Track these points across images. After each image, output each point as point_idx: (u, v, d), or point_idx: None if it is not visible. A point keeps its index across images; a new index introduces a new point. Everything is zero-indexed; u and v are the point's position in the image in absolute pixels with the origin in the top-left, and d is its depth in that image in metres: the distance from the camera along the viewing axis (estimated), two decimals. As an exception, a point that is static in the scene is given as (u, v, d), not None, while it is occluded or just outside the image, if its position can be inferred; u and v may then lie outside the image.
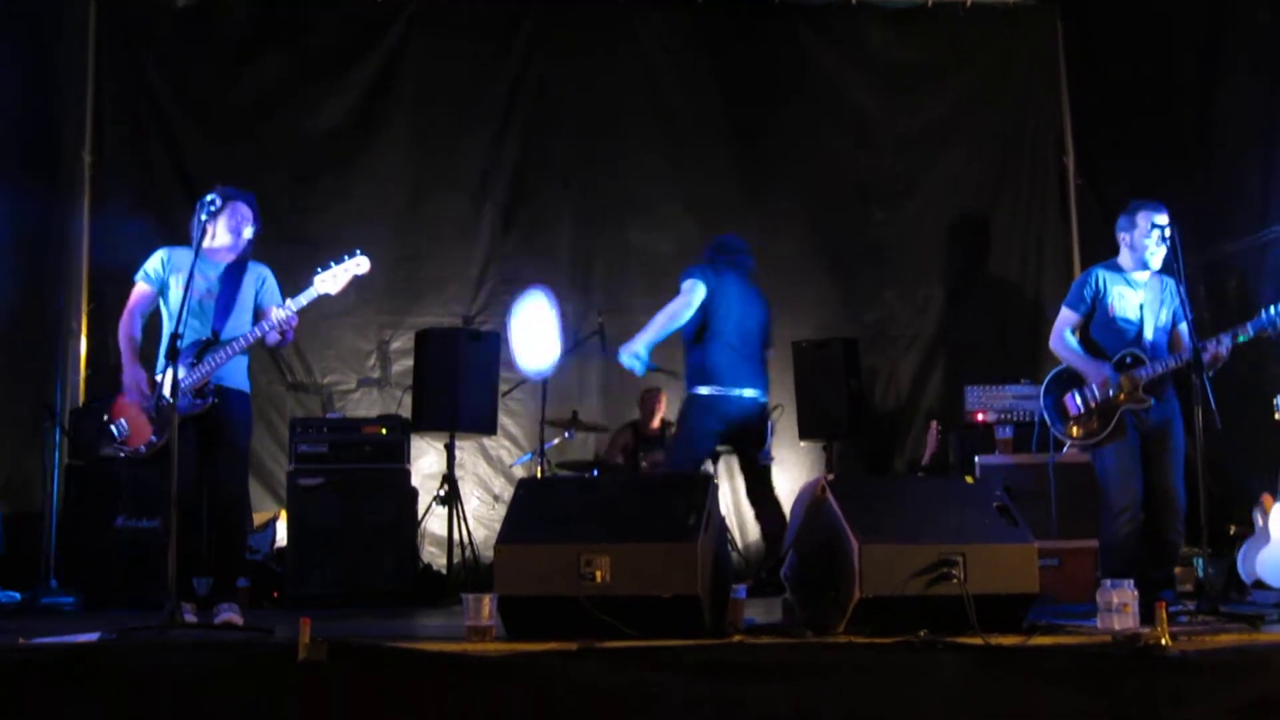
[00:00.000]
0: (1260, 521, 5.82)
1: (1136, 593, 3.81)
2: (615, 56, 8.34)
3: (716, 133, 8.40)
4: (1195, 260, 5.63)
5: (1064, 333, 5.06)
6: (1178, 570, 5.27)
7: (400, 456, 6.46)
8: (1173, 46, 7.37)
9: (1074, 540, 5.62)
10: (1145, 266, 4.95)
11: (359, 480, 6.32)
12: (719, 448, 6.17)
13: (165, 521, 4.51)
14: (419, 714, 3.05)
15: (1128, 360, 4.87)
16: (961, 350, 8.21)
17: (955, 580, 3.67)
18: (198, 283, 4.57)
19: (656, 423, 7.65)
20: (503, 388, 7.25)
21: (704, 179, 8.29)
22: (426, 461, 7.59)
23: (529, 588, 3.72)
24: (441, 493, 6.83)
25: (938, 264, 8.40)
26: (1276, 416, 5.73)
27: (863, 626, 3.66)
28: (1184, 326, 4.79)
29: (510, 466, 7.86)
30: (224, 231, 4.74)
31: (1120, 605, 3.76)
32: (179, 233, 5.07)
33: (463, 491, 7.13)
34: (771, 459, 6.16)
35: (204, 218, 4.47)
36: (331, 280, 4.71)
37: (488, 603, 3.66)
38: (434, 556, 7.28)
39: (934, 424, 7.36)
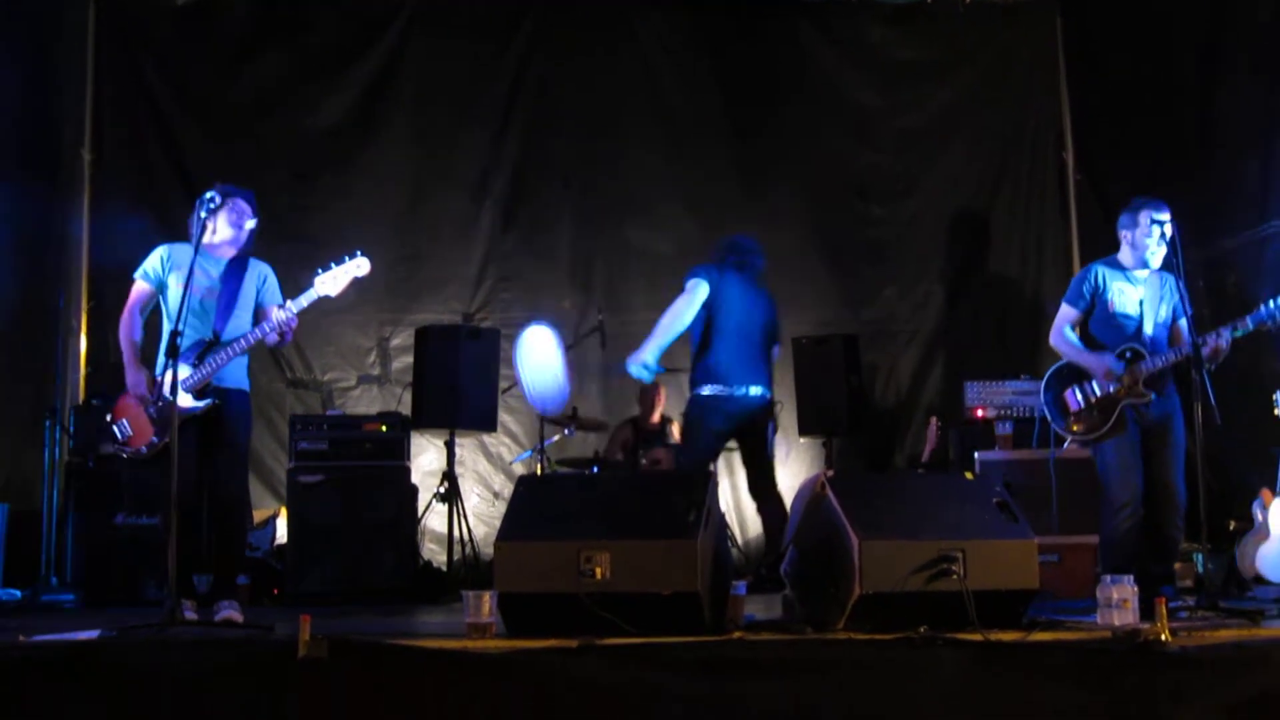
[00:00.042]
0: (1260, 517, 5.82)
1: (1136, 588, 3.80)
2: (615, 56, 8.33)
3: (716, 132, 8.39)
4: (1194, 256, 5.65)
5: (1064, 329, 5.06)
6: (1178, 566, 5.28)
7: (400, 453, 6.46)
8: (1173, 46, 7.37)
9: (1074, 536, 5.63)
10: (1146, 264, 4.95)
11: (359, 477, 6.31)
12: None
13: (165, 520, 4.52)
14: (419, 711, 3.05)
15: (1128, 355, 4.87)
16: (961, 346, 8.21)
17: (955, 576, 3.67)
18: (199, 280, 4.58)
19: (656, 417, 7.64)
20: (503, 385, 7.25)
21: (704, 178, 8.29)
22: (426, 459, 7.59)
23: (529, 585, 3.73)
24: (441, 490, 6.83)
25: (938, 261, 8.40)
26: (1276, 412, 5.74)
27: (863, 623, 3.66)
28: (1184, 322, 4.80)
29: (510, 463, 7.86)
30: (225, 226, 4.75)
31: (1120, 601, 3.75)
32: (179, 231, 5.08)
33: (463, 488, 7.13)
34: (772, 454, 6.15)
35: (204, 214, 4.48)
36: (332, 282, 4.72)
37: (488, 600, 3.66)
38: (434, 553, 7.28)
39: (934, 420, 7.35)
